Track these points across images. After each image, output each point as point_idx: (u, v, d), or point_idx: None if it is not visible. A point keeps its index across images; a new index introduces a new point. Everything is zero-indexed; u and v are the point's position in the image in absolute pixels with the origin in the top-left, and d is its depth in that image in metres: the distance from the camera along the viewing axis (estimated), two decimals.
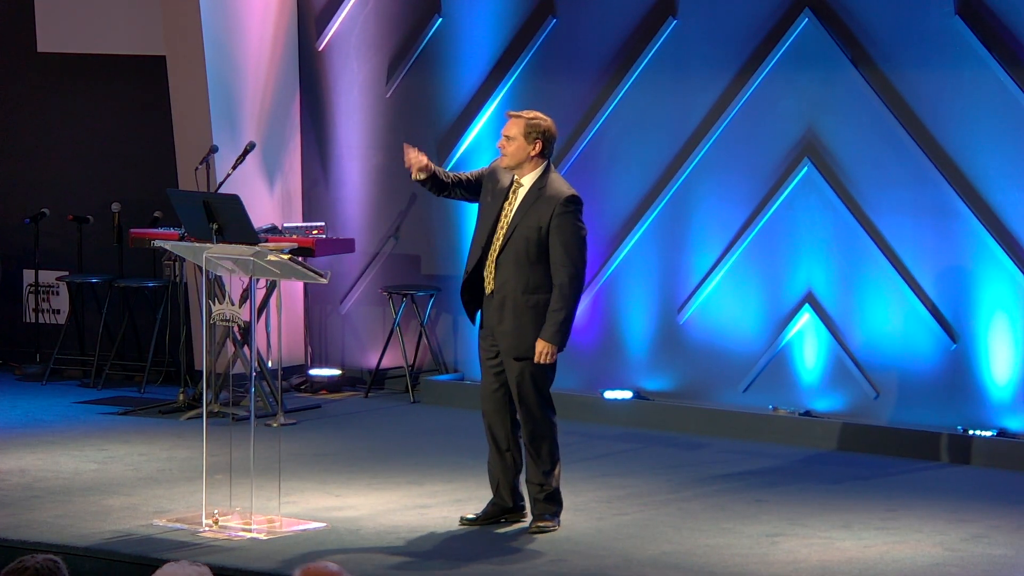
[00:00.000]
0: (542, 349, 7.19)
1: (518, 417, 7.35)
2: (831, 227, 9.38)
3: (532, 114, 7.31)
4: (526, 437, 7.34)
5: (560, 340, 7.20)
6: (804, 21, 9.40)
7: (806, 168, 9.45)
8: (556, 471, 7.38)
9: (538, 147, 7.23)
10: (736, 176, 9.64)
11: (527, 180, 7.27)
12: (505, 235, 7.24)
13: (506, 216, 7.26)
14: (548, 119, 7.32)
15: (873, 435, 9.09)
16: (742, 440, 9.33)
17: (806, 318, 9.46)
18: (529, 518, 7.41)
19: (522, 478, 7.44)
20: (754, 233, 9.58)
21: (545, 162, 7.28)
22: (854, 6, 9.28)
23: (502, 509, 7.45)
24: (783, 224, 9.52)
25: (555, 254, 7.21)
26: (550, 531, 7.32)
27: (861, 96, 9.25)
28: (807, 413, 9.41)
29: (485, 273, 7.31)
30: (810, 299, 9.45)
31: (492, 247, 7.29)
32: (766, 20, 9.50)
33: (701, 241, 9.75)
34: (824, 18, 9.35)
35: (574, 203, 7.22)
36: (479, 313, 7.43)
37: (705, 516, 7.66)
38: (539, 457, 7.34)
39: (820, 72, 9.36)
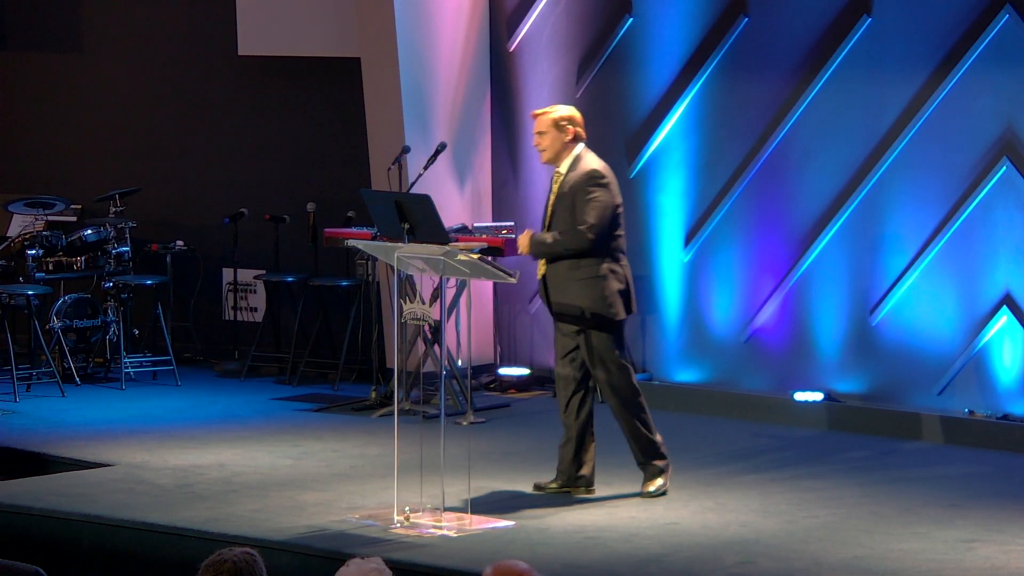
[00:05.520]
0: (520, 242, 7.81)
1: (591, 384, 7.87)
2: None
3: (551, 108, 7.96)
4: (613, 402, 7.80)
5: (538, 252, 7.81)
6: (1005, 18, 9.19)
7: (1004, 167, 9.25)
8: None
9: (570, 134, 7.82)
10: (931, 176, 9.47)
11: (564, 167, 7.87)
12: (549, 218, 7.86)
13: (550, 204, 7.88)
14: (569, 107, 7.97)
15: None
16: (937, 444, 9.16)
17: (1004, 320, 9.26)
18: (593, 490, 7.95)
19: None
20: (950, 234, 9.40)
21: (578, 146, 7.84)
22: None
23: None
24: (980, 225, 9.33)
25: (579, 216, 7.77)
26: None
27: None
28: (1005, 416, 9.21)
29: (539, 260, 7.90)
30: (1008, 301, 9.24)
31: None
32: (964, 17, 9.31)
33: (895, 241, 9.60)
34: None
35: (591, 179, 7.75)
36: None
37: (898, 520, 7.54)
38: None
39: (1021, 69, 9.14)
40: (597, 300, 7.73)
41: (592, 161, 7.86)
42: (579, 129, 7.86)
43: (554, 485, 7.93)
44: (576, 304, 7.75)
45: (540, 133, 7.87)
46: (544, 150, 7.87)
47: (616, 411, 7.87)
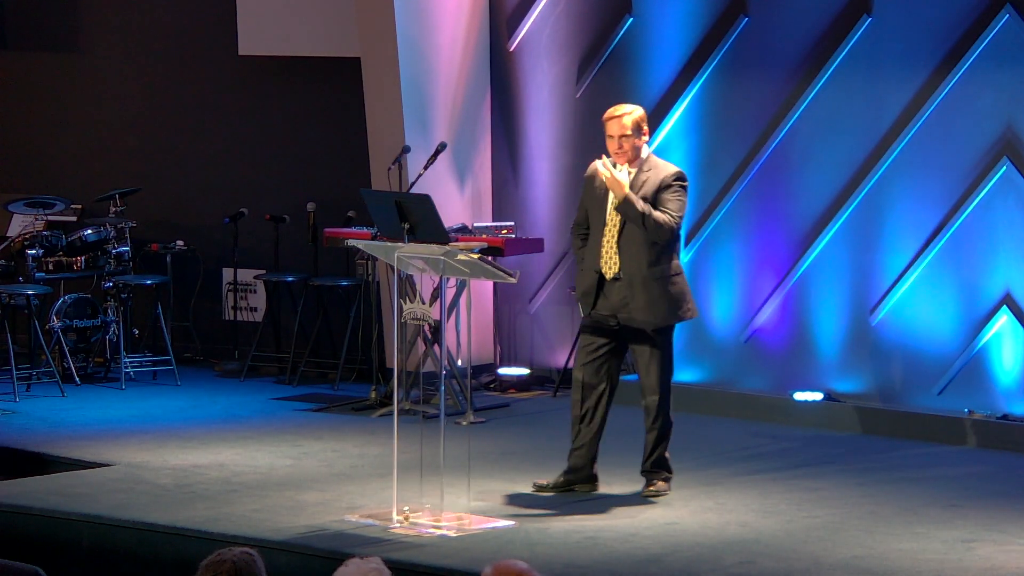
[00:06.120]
0: (618, 182, 7.63)
1: (646, 385, 7.83)
2: None
3: (628, 109, 7.79)
4: (654, 410, 7.84)
5: (627, 208, 7.65)
6: (1005, 18, 9.20)
7: (1004, 167, 9.25)
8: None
9: (646, 134, 7.81)
10: (931, 175, 9.47)
11: (635, 166, 7.79)
12: (621, 220, 7.72)
13: (616, 203, 7.73)
14: (636, 105, 7.85)
15: None
16: (936, 444, 9.17)
17: (1003, 320, 9.26)
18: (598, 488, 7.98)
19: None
20: (950, 233, 9.41)
21: (645, 146, 7.82)
22: None
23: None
24: (980, 224, 9.33)
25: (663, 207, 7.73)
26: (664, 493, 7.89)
27: None
28: (1004, 417, 9.21)
29: (603, 260, 7.76)
30: (1008, 301, 9.24)
31: (608, 235, 7.75)
32: (964, 17, 9.31)
33: (894, 242, 9.60)
34: None
35: (679, 178, 7.77)
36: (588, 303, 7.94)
37: (898, 520, 7.54)
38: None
39: (1021, 69, 9.14)
40: (676, 298, 7.78)
41: (664, 162, 7.89)
42: (648, 131, 7.91)
43: (554, 484, 7.92)
44: (658, 303, 7.72)
45: (624, 136, 7.74)
46: (627, 152, 7.75)
47: (650, 413, 7.86)
